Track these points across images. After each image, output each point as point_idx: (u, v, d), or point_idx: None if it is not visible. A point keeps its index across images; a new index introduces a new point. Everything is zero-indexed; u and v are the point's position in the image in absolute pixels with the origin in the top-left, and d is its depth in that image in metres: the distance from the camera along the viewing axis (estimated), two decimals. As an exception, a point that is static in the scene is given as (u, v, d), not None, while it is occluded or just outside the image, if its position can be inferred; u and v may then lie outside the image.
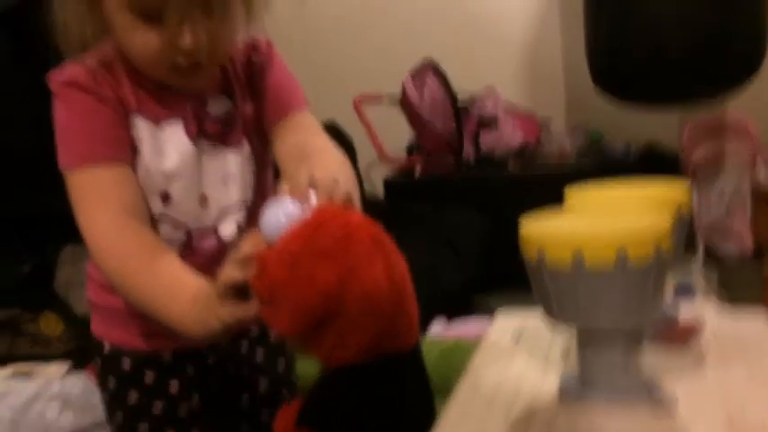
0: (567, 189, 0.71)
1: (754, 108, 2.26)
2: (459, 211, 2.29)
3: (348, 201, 0.57)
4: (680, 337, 0.64)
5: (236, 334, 0.79)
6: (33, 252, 2.25)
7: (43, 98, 1.46)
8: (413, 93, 2.25)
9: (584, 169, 2.32)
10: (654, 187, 0.70)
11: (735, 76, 1.93)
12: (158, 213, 0.74)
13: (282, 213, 0.53)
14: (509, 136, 2.44)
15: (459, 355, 1.38)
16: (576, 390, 0.56)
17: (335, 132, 2.47)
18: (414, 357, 0.60)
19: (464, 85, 2.38)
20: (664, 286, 0.57)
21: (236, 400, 0.85)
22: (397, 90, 2.39)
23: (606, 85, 1.99)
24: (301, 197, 0.55)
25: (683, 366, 0.60)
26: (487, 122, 2.43)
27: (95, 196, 0.69)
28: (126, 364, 0.79)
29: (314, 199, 0.54)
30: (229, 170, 0.75)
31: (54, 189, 1.86)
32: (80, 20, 0.68)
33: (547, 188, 2.33)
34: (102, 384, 0.82)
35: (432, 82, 2.22)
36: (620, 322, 0.54)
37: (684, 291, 1.83)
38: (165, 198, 0.73)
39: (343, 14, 2.71)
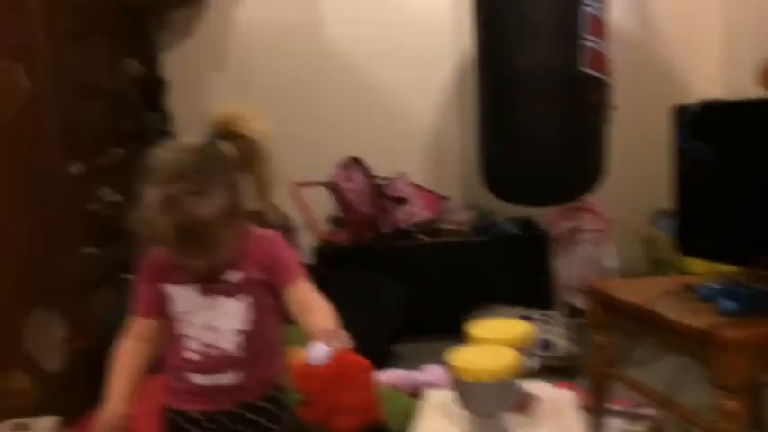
0: (469, 327, 1.20)
1: (602, 194, 2.89)
2: (381, 278, 2.68)
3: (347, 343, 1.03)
4: (524, 407, 1.16)
5: (246, 405, 1.16)
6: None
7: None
8: (341, 181, 2.72)
9: (478, 241, 2.87)
10: (512, 325, 1.20)
11: (586, 184, 2.50)
12: (182, 334, 1.14)
13: (322, 352, 0.99)
14: (417, 211, 2.92)
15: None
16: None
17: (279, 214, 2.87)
18: (381, 426, 1.09)
19: (380, 170, 2.87)
20: (515, 391, 1.08)
21: None
22: (323, 176, 2.84)
23: (493, 191, 2.51)
24: (328, 343, 1.01)
25: (525, 422, 1.12)
26: (400, 201, 2.91)
27: (131, 329, 1.14)
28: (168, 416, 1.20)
29: (335, 344, 1.01)
30: (234, 311, 1.13)
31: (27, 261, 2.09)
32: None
33: (451, 254, 2.85)
34: None
35: (357, 175, 2.70)
36: (496, 410, 1.04)
37: (545, 344, 2.42)
38: (188, 326, 1.13)
39: (280, 107, 3.10)
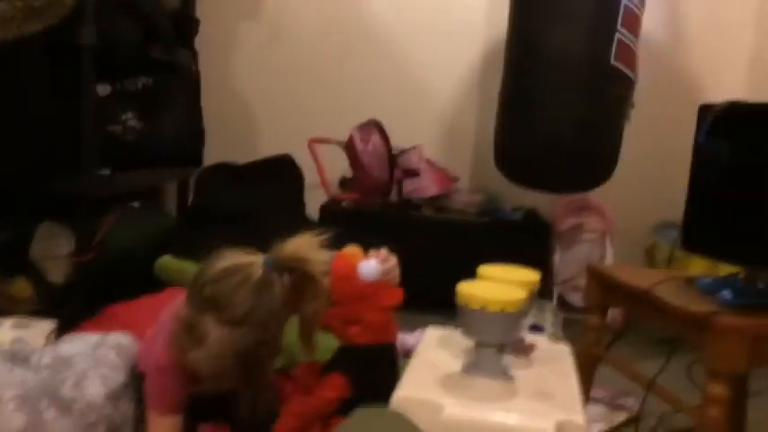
0: (479, 267, 1.24)
1: (609, 197, 2.94)
2: (379, 240, 2.77)
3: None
4: (522, 351, 1.20)
5: None
6: (10, 224, 2.51)
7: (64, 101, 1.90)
8: (359, 142, 2.75)
9: (481, 222, 2.89)
10: (522, 272, 1.25)
11: (598, 177, 2.53)
12: None
13: (373, 270, 1.03)
14: (426, 186, 2.95)
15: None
16: (471, 369, 1.10)
17: (290, 162, 2.91)
18: (394, 348, 1.12)
19: (396, 140, 2.88)
20: (519, 325, 1.12)
21: None
22: (341, 136, 2.88)
23: (504, 170, 2.55)
24: (382, 264, 1.05)
25: (521, 364, 1.16)
26: (411, 173, 2.94)
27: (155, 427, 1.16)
28: None
29: (385, 266, 1.05)
30: None
31: (39, 172, 2.20)
32: None
33: (452, 232, 2.89)
34: None
35: (376, 138, 2.72)
36: (498, 340, 1.08)
37: (536, 329, 2.46)
38: None
39: (308, 63, 3.17)
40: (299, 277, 1.06)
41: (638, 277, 1.67)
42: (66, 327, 2.01)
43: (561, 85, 2.30)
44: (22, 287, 2.40)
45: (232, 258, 1.06)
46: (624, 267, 1.86)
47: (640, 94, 2.55)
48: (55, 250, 2.39)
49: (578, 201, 2.99)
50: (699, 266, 2.28)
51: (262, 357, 1.04)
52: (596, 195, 2.90)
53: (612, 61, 2.28)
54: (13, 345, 1.49)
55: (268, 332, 1.03)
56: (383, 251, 1.08)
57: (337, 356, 1.09)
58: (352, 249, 1.07)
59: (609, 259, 2.90)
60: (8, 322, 1.87)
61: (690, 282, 1.64)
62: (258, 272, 1.03)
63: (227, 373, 1.04)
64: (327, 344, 1.17)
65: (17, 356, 1.32)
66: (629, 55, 2.33)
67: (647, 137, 2.99)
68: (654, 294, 1.54)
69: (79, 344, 1.38)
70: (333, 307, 1.05)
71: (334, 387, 1.05)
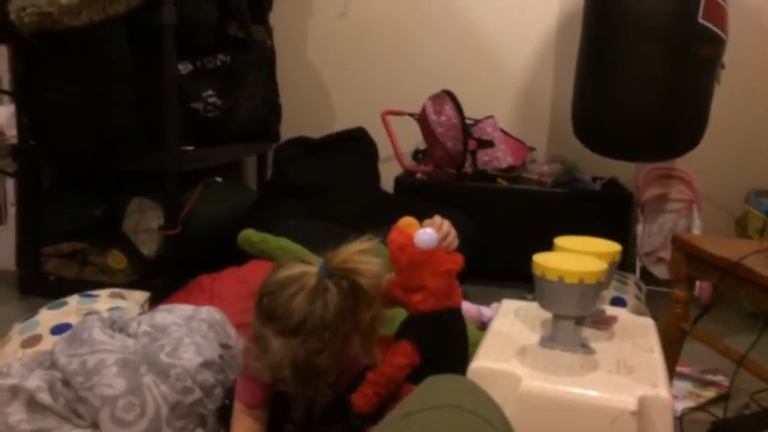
0: (557, 238, 1.22)
1: (697, 165, 2.80)
2: (453, 212, 2.75)
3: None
4: (603, 323, 1.17)
5: None
6: (105, 200, 2.67)
7: (144, 87, 1.95)
8: (432, 114, 2.73)
9: (558, 193, 2.81)
10: (602, 243, 1.22)
11: (685, 143, 2.42)
12: None
13: (430, 238, 1.04)
14: (501, 156, 2.92)
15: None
16: (549, 341, 1.09)
17: (364, 135, 2.93)
18: (459, 312, 1.13)
19: (469, 111, 2.83)
20: (599, 297, 1.10)
21: None
22: (415, 108, 2.87)
23: (584, 139, 2.47)
24: (438, 231, 1.06)
25: (601, 336, 1.13)
26: (485, 144, 2.91)
27: (241, 419, 1.20)
28: None
29: (441, 232, 1.06)
30: None
31: (126, 151, 2.30)
32: None
33: (528, 203, 2.86)
34: None
35: (449, 109, 2.70)
36: (575, 312, 1.06)
37: (618, 302, 2.39)
38: None
39: (380, 35, 3.17)
40: (352, 285, 1.07)
41: (728, 248, 1.60)
42: (158, 297, 2.14)
43: (644, 47, 2.20)
44: (117, 259, 2.55)
45: (289, 269, 1.09)
46: (712, 238, 1.78)
47: (731, 54, 2.40)
48: (146, 224, 2.53)
49: (663, 169, 2.85)
50: (795, 237, 2.15)
51: (318, 366, 1.07)
52: (683, 162, 2.77)
53: (700, 19, 2.15)
54: (110, 313, 1.59)
55: (323, 341, 1.06)
56: (437, 218, 1.08)
57: (404, 325, 1.10)
58: (407, 220, 1.09)
59: (696, 230, 2.78)
60: (105, 292, 1.99)
61: (785, 253, 1.55)
62: (312, 281, 1.06)
63: (285, 380, 1.08)
64: (396, 316, 1.18)
65: (116, 324, 1.41)
66: (718, 12, 2.19)
67: (738, 99, 2.82)
68: (745, 266, 1.47)
69: (174, 314, 1.45)
70: (395, 277, 1.06)
71: (403, 354, 1.07)
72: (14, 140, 2.49)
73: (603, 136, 2.38)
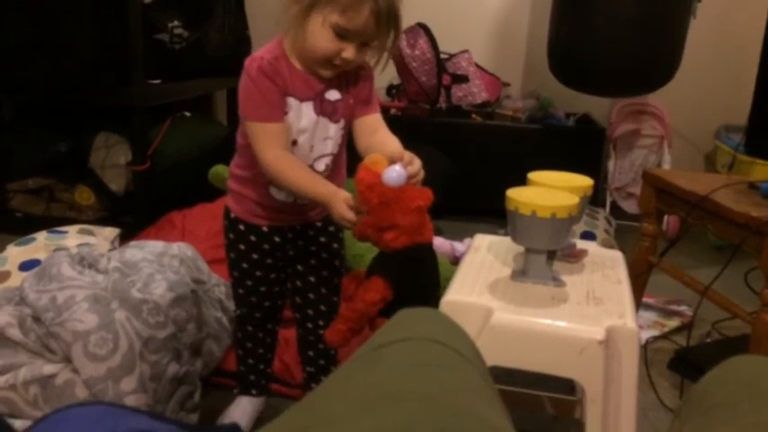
0: (530, 173, 1.22)
1: (669, 100, 2.83)
2: (429, 149, 2.74)
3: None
4: (573, 257, 1.19)
5: (308, 223, 1.27)
6: (70, 136, 2.59)
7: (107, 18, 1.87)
8: (405, 48, 2.67)
9: (532, 128, 2.82)
10: (574, 178, 1.22)
11: (660, 78, 2.41)
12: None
13: (399, 175, 1.03)
14: (476, 92, 2.89)
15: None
16: (521, 275, 1.10)
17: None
18: (431, 246, 1.13)
19: (444, 45, 2.77)
20: (570, 231, 1.11)
21: (304, 261, 1.31)
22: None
23: (559, 74, 2.45)
24: (404, 166, 1.04)
25: (572, 269, 1.16)
26: (460, 78, 2.87)
27: (268, 138, 1.13)
28: (241, 226, 1.26)
29: (410, 169, 1.04)
30: (329, 134, 1.19)
31: (93, 86, 2.24)
32: (290, 19, 1.11)
33: (502, 139, 2.85)
34: (226, 235, 1.29)
35: (423, 42, 2.64)
36: (547, 246, 1.07)
37: (588, 236, 2.43)
38: (294, 143, 1.19)
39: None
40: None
41: (697, 183, 1.62)
42: (128, 234, 2.11)
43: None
44: (84, 195, 2.50)
45: None
46: (682, 173, 1.80)
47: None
48: (113, 160, 2.47)
49: (635, 104, 2.87)
50: (763, 172, 2.19)
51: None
52: (655, 98, 2.78)
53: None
54: (80, 249, 1.57)
55: None
56: (406, 154, 1.07)
57: (375, 261, 1.10)
58: (374, 157, 1.06)
59: (666, 165, 2.82)
60: (74, 229, 1.96)
61: (752, 187, 1.58)
62: None
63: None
64: (366, 251, 1.18)
65: (85, 260, 1.39)
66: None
67: (712, 33, 2.81)
68: (713, 200, 1.50)
69: (144, 250, 1.44)
70: (366, 220, 1.05)
71: (375, 289, 1.07)
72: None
73: (580, 71, 2.37)
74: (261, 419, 1.38)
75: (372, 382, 0.53)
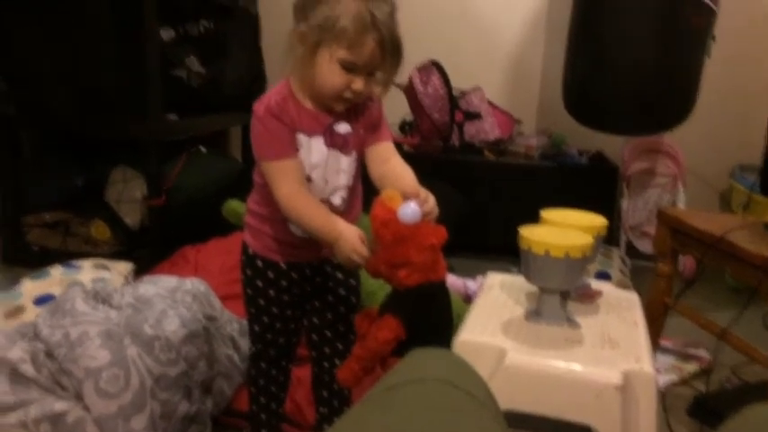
0: (543, 211, 1.21)
1: (683, 139, 2.82)
2: (443, 186, 2.74)
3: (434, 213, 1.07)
4: (588, 297, 1.18)
5: (325, 260, 1.27)
6: (86, 169, 2.63)
7: (126, 53, 1.88)
8: (418, 85, 2.70)
9: (545, 166, 2.81)
10: (588, 217, 1.22)
11: (675, 117, 2.41)
12: None
13: (413, 212, 1.03)
14: (488, 129, 2.89)
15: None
16: (534, 315, 1.09)
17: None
18: (444, 284, 1.12)
19: (456, 82, 2.80)
20: (584, 271, 1.10)
21: (322, 298, 1.31)
22: (401, 78, 2.82)
23: (574, 113, 2.45)
24: (420, 205, 1.04)
25: (586, 310, 1.14)
26: (472, 115, 2.88)
27: (282, 174, 1.15)
28: (259, 263, 1.26)
29: (425, 207, 1.05)
30: (342, 167, 1.19)
31: (111, 120, 2.28)
32: (296, 59, 1.13)
33: (515, 176, 2.85)
34: (243, 271, 1.28)
35: (436, 79, 2.67)
36: (561, 286, 1.06)
37: (603, 276, 2.40)
38: (309, 179, 1.20)
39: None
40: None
41: (712, 223, 1.61)
42: (142, 268, 2.12)
43: (635, 18, 2.17)
44: (100, 230, 2.53)
45: None
46: (697, 212, 1.79)
47: (722, 26, 2.39)
48: (130, 194, 2.50)
49: (649, 143, 2.85)
50: (779, 212, 2.17)
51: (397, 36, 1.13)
52: (669, 136, 2.76)
53: (692, -10, 2.13)
54: (94, 285, 1.58)
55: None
56: (422, 191, 1.07)
57: (389, 299, 1.10)
58: (390, 193, 1.07)
59: (681, 205, 2.79)
60: (89, 263, 1.97)
61: (766, 227, 1.57)
62: None
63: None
64: (379, 288, 1.17)
65: (99, 296, 1.40)
66: (709, -17, 2.17)
67: (727, 73, 2.81)
68: (729, 241, 1.49)
69: (158, 286, 1.44)
70: (379, 256, 1.05)
71: (389, 328, 1.07)
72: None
73: (594, 109, 2.37)
74: (270, 460, 1.36)
75: (385, 425, 0.53)
